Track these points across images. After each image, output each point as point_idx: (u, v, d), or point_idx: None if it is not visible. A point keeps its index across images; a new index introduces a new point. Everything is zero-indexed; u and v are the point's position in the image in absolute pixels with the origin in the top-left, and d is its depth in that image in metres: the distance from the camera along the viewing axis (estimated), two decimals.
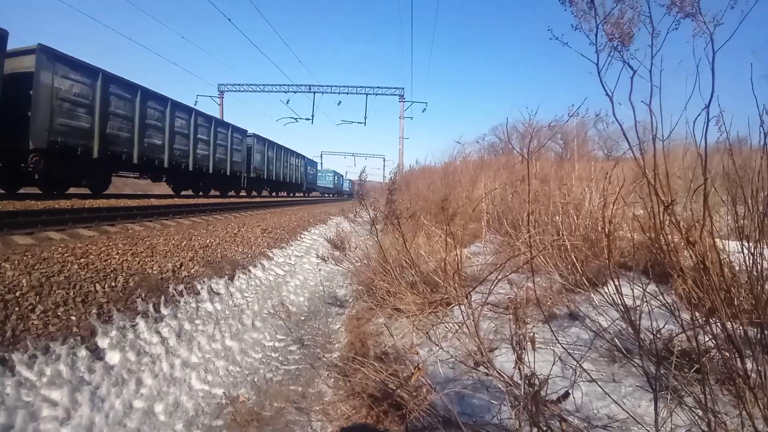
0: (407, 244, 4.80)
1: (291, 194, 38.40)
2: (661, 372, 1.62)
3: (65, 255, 5.76)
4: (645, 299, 1.86)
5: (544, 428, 1.71)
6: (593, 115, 4.56)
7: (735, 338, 1.52)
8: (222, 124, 21.64)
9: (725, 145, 1.89)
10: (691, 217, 1.99)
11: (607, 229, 2.15)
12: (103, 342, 4.48)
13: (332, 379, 4.18)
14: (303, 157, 38.85)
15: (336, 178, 64.84)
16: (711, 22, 1.56)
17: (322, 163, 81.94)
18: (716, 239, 1.82)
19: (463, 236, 5.88)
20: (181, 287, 6.36)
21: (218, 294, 6.93)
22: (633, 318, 1.82)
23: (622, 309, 1.91)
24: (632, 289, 1.95)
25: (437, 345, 2.99)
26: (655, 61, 1.67)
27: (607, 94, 1.76)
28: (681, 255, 1.86)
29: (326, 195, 57.62)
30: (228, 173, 21.89)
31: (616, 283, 1.93)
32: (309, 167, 43.62)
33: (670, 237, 1.80)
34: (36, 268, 5.11)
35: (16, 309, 4.24)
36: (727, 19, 1.56)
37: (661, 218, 1.77)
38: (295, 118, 35.08)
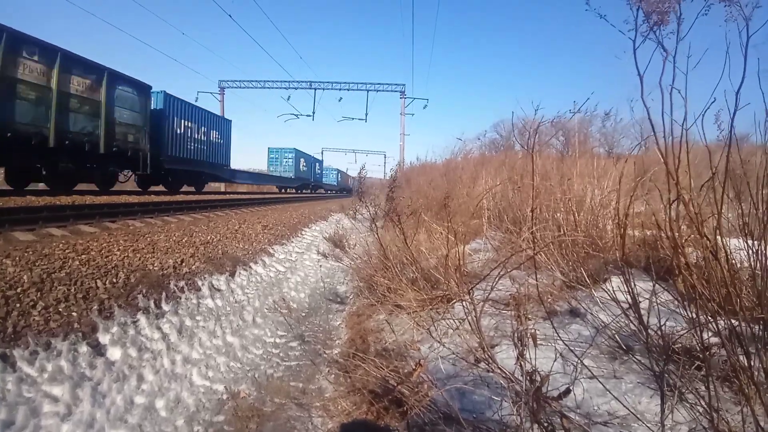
0: (408, 240, 4.79)
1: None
2: (665, 369, 1.62)
3: (66, 251, 5.77)
4: (653, 295, 1.85)
5: (545, 424, 1.71)
6: (600, 112, 4.55)
7: (740, 335, 1.51)
8: None
9: (727, 141, 1.88)
10: (700, 213, 1.98)
11: (614, 224, 2.14)
12: (104, 338, 4.48)
13: (333, 376, 4.18)
14: (141, 88, 15.31)
15: (303, 164, 42.18)
16: (747, 6, 1.54)
17: (323, 157, 69.30)
18: (721, 236, 1.81)
19: (465, 233, 5.88)
20: (182, 283, 6.36)
21: (219, 290, 6.93)
22: (640, 314, 1.81)
23: (627, 305, 1.90)
24: (634, 286, 1.95)
25: (438, 341, 2.99)
26: (682, 47, 1.65)
27: (638, 74, 1.73)
28: (686, 251, 1.85)
29: (285, 191, 39.41)
30: None
31: (625, 278, 1.92)
32: (171, 117, 17.65)
33: (678, 232, 1.79)
34: (37, 264, 5.11)
35: (18, 305, 4.24)
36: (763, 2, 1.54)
37: (677, 210, 1.76)
38: (296, 115, 35.09)
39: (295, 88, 33.77)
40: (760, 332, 1.56)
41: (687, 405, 1.66)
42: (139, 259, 6.46)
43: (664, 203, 1.86)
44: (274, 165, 39.11)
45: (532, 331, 1.81)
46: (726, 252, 1.76)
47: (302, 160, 42.37)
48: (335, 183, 62.43)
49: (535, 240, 2.93)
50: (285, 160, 39.48)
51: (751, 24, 1.56)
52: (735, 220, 2.09)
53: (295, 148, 39.74)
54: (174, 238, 8.16)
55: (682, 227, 1.86)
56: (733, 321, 1.58)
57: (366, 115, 34.62)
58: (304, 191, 44.60)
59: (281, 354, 5.62)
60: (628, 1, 1.74)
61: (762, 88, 1.65)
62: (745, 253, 1.97)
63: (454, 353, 2.89)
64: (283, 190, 39.25)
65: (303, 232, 13.95)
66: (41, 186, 13.76)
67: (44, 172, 12.54)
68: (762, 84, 1.65)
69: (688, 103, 1.74)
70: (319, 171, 52.42)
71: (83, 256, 5.78)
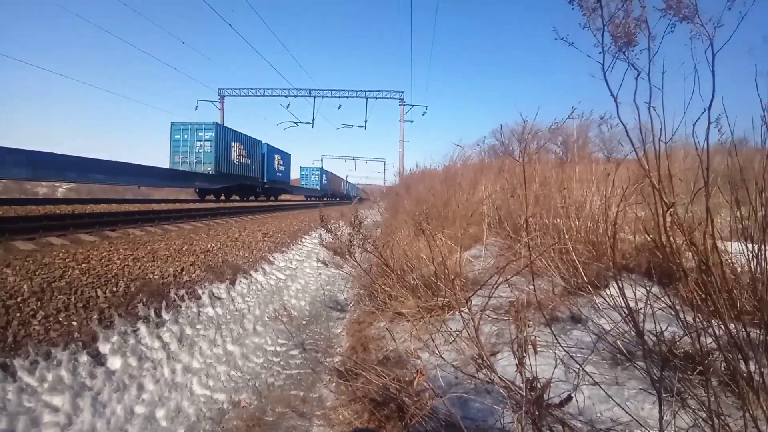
0: (406, 249, 4.79)
1: None
2: (665, 374, 1.61)
3: (66, 260, 5.77)
4: (649, 301, 1.85)
5: None
6: (597, 117, 4.57)
7: (739, 340, 1.51)
8: None
9: (726, 145, 1.89)
10: (693, 219, 1.99)
11: (610, 231, 2.15)
12: (104, 347, 4.48)
13: (334, 384, 4.17)
14: None
15: (239, 154, 26.20)
16: (708, 23, 1.56)
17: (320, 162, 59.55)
18: (718, 241, 1.81)
19: (463, 239, 5.87)
20: (182, 292, 6.35)
21: (219, 298, 6.92)
22: (637, 320, 1.81)
23: (626, 311, 1.90)
24: (634, 292, 1.95)
25: (439, 349, 2.98)
26: (656, 62, 1.66)
27: (611, 95, 1.73)
28: (683, 257, 1.85)
29: (221, 196, 25.31)
30: None
31: (620, 284, 1.92)
32: None
33: (672, 239, 1.80)
34: (37, 273, 5.11)
35: (18, 315, 4.24)
36: (725, 20, 1.55)
37: (664, 220, 1.77)
38: (296, 123, 35.07)
39: (295, 96, 33.85)
40: (761, 337, 1.56)
41: (689, 410, 1.65)
42: (140, 268, 6.45)
43: (651, 210, 1.87)
44: (181, 153, 23.15)
45: (532, 338, 1.81)
46: (721, 257, 1.77)
47: (237, 145, 25.81)
48: (317, 187, 46.83)
49: (532, 248, 2.93)
50: (199, 144, 23.19)
51: (719, 40, 1.57)
52: (734, 224, 2.09)
53: (215, 123, 23.76)
54: (174, 246, 8.16)
55: (678, 232, 1.86)
56: (732, 326, 1.58)
57: (365, 122, 34.63)
58: (252, 199, 29.20)
59: (282, 362, 5.60)
60: (589, 29, 1.74)
61: (760, 94, 1.67)
62: (745, 258, 1.97)
63: (455, 361, 2.88)
64: (209, 196, 24.90)
65: (303, 240, 13.94)
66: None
67: None
68: (756, 89, 1.67)
69: (673, 113, 1.75)
70: (282, 168, 34.36)
71: (83, 265, 5.78)
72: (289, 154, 36.39)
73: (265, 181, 30.49)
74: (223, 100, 34.86)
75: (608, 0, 1.71)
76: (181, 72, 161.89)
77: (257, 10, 29.54)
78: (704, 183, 1.67)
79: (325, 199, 48.84)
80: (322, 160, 64.99)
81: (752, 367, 1.53)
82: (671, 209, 1.70)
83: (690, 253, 1.82)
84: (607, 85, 1.74)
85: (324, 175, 50.53)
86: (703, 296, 1.71)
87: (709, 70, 1.57)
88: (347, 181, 71.13)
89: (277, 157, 33.11)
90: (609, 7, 1.70)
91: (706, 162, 1.69)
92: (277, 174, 33.25)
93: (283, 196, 37.47)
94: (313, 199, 44.92)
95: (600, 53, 1.72)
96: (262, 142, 30.64)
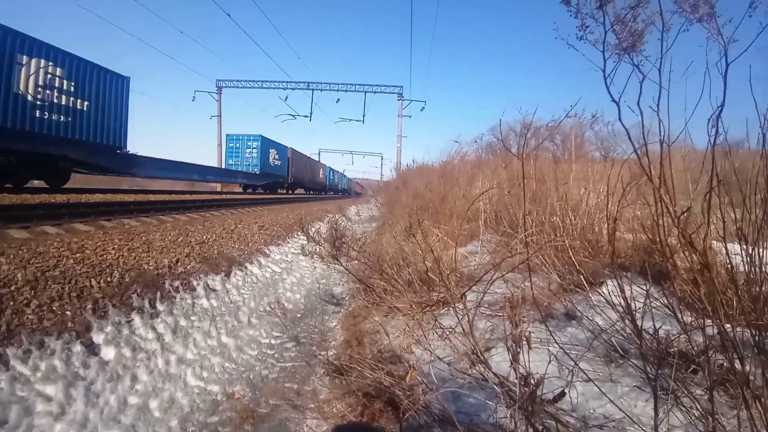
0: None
1: None
2: (659, 372, 1.62)
3: (61, 249, 5.74)
4: (648, 300, 1.86)
5: (540, 428, 1.71)
6: (590, 116, 4.55)
7: (735, 340, 1.52)
8: None
9: (723, 147, 1.88)
10: (689, 220, 1.99)
11: (607, 229, 2.15)
12: (98, 337, 4.46)
13: (328, 377, 4.17)
14: None
15: None
16: (724, 26, 1.52)
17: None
18: (715, 242, 1.81)
19: (459, 235, 5.87)
20: (177, 283, 6.34)
21: (214, 290, 6.91)
22: (634, 319, 1.81)
23: (622, 309, 1.91)
24: (631, 290, 1.95)
25: (433, 344, 2.99)
26: (664, 62, 1.63)
27: (612, 100, 1.70)
28: (679, 257, 1.85)
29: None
30: None
31: (619, 282, 1.92)
32: None
33: (670, 239, 1.79)
34: (31, 262, 5.08)
35: (11, 303, 4.22)
36: (741, 25, 1.52)
37: (663, 220, 1.76)
38: (294, 115, 34.92)
39: (293, 89, 33.71)
40: (757, 337, 1.57)
41: (683, 409, 1.66)
42: (134, 258, 6.43)
43: (651, 211, 1.86)
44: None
45: (527, 333, 1.81)
46: (728, 257, 1.77)
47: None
48: (254, 170, 28.29)
49: (528, 245, 2.93)
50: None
51: (738, 47, 1.54)
52: (729, 225, 2.09)
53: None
54: (169, 237, 8.14)
55: (674, 232, 1.86)
56: (728, 326, 1.59)
57: (363, 116, 34.53)
58: None
59: (276, 355, 5.60)
60: (586, 41, 1.70)
61: (754, 96, 1.65)
62: (740, 258, 1.98)
63: (449, 356, 2.89)
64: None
65: (299, 233, 13.93)
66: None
67: None
68: (755, 91, 1.65)
69: (675, 114, 1.73)
70: (79, 103, 11.84)
71: (78, 255, 5.75)
72: (126, 78, 14.41)
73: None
74: (220, 92, 34.70)
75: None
76: (179, 62, 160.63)
77: (256, 0, 28.30)
78: (709, 188, 1.66)
79: (284, 191, 35.07)
80: (319, 154, 61.85)
81: (749, 367, 1.54)
82: (671, 211, 1.70)
83: (686, 254, 1.82)
84: (608, 92, 1.71)
85: (273, 151, 31.13)
86: (701, 296, 1.72)
87: (718, 72, 1.54)
88: (332, 169, 54.92)
89: (42, 65, 10.95)
90: (614, 7, 1.67)
91: (712, 167, 1.67)
92: (39, 111, 10.93)
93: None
94: (261, 191, 30.01)
95: (602, 52, 1.69)
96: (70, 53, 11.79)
